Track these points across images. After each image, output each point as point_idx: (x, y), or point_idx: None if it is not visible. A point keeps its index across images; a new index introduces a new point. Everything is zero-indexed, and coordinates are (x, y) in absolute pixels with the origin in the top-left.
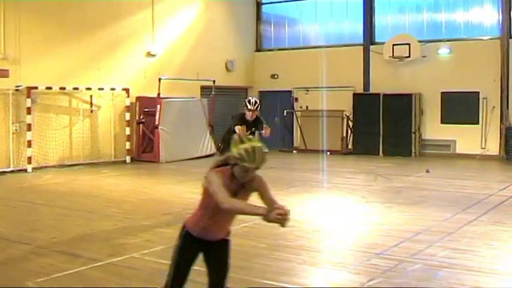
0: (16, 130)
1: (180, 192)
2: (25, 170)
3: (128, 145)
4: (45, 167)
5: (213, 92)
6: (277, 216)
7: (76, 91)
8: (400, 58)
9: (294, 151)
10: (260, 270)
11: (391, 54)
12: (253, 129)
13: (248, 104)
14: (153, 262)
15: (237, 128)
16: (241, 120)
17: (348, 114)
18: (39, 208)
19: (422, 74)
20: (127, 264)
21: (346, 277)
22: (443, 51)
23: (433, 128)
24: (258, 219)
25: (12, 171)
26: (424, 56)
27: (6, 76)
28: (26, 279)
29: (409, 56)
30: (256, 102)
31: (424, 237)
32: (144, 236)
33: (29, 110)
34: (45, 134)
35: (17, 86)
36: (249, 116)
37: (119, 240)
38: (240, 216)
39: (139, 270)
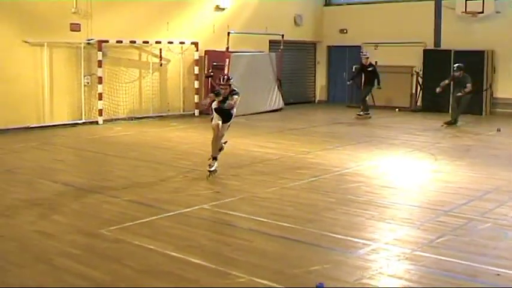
0: (88, 83)
1: (248, 146)
2: (96, 122)
3: (196, 98)
4: (116, 119)
5: (281, 47)
6: None
7: (146, 45)
8: (473, 14)
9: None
10: (329, 224)
11: (463, 10)
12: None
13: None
14: (222, 213)
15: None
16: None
17: (417, 71)
18: (110, 159)
19: (496, 30)
20: (197, 215)
21: (414, 233)
22: None
23: (506, 86)
24: (327, 175)
25: (84, 123)
26: (498, 12)
27: (78, 30)
28: (100, 227)
29: (482, 12)
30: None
31: (494, 197)
32: (214, 187)
33: (100, 63)
34: (116, 86)
35: (89, 40)
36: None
37: (189, 191)
38: (308, 171)
39: (208, 220)
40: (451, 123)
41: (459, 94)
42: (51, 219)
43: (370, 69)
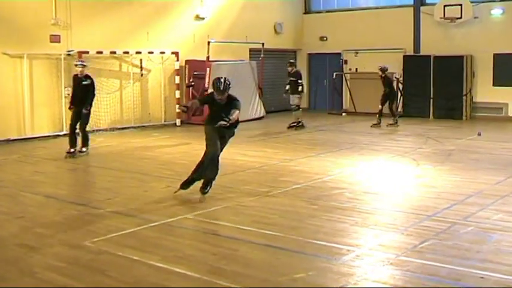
0: (68, 94)
1: (230, 154)
2: (77, 133)
3: (177, 108)
4: (97, 130)
5: (261, 55)
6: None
7: (126, 55)
8: (452, 19)
9: (343, 113)
10: (312, 231)
11: (442, 16)
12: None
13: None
14: (206, 223)
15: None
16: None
17: (398, 77)
18: (93, 170)
19: (474, 36)
20: (181, 224)
21: (398, 238)
22: (496, 11)
23: (485, 90)
24: (310, 182)
25: (65, 135)
26: (476, 17)
27: (58, 41)
28: (84, 239)
29: (460, 17)
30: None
31: (476, 200)
32: (197, 197)
33: None
34: (97, 97)
35: (69, 51)
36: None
37: (173, 202)
38: (291, 179)
39: (193, 230)
40: None
41: (222, 123)
42: (34, 231)
43: (85, 82)
